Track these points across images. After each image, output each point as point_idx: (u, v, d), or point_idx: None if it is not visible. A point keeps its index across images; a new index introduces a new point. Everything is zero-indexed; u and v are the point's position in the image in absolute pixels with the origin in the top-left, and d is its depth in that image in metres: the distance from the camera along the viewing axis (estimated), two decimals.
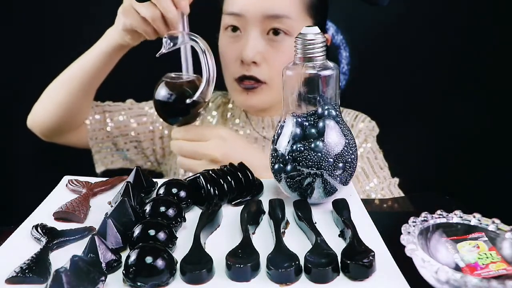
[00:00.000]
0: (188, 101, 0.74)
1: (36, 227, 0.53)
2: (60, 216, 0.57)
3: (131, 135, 1.01)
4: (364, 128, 0.98)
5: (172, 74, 0.78)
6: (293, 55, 0.57)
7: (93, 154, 1.00)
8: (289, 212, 0.57)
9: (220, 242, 0.52)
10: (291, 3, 0.87)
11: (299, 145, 0.56)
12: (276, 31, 0.87)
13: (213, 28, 0.95)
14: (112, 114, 1.00)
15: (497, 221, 0.49)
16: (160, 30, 0.77)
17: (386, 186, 0.93)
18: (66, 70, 0.92)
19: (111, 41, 0.85)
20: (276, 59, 0.87)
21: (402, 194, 0.93)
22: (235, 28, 0.89)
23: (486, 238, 0.48)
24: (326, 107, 0.57)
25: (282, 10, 0.86)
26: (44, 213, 0.58)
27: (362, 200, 0.60)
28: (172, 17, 0.75)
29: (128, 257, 0.45)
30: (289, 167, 0.57)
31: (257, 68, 0.87)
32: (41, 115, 0.94)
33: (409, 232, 0.47)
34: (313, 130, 0.56)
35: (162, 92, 0.76)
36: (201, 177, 0.60)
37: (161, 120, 1.01)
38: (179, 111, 0.77)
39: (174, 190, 0.59)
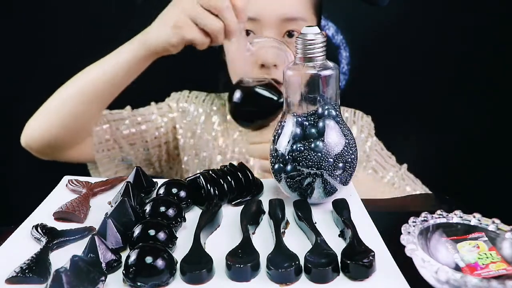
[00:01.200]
0: (281, 100, 0.75)
1: (36, 227, 0.53)
2: (60, 216, 0.57)
3: (139, 143, 0.99)
4: (365, 122, 1.02)
5: (247, 79, 0.79)
6: None
7: (98, 166, 0.96)
8: (289, 212, 0.57)
9: (220, 242, 0.52)
10: (304, 5, 0.89)
11: (299, 145, 0.56)
12: (290, 33, 0.88)
13: None
14: (117, 123, 0.96)
15: (497, 221, 0.49)
16: (219, 41, 0.77)
17: (403, 173, 0.97)
18: (78, 78, 0.85)
19: (146, 49, 0.81)
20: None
21: (416, 179, 0.98)
22: (247, 32, 0.88)
23: (486, 238, 0.48)
24: (326, 107, 0.57)
25: (298, 12, 0.87)
26: (44, 213, 0.58)
27: (362, 200, 0.60)
28: (235, 29, 0.75)
29: (128, 257, 0.45)
30: (289, 167, 0.57)
31: (277, 70, 0.87)
32: (43, 130, 0.86)
33: (409, 232, 0.47)
34: (313, 130, 0.56)
35: (248, 95, 0.77)
36: (201, 177, 0.60)
37: (164, 124, 1.00)
38: (266, 113, 0.78)
39: (174, 190, 0.59)
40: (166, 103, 1.04)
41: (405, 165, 0.99)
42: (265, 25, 0.87)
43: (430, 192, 0.99)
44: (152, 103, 1.03)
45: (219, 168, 0.63)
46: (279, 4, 0.87)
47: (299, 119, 0.57)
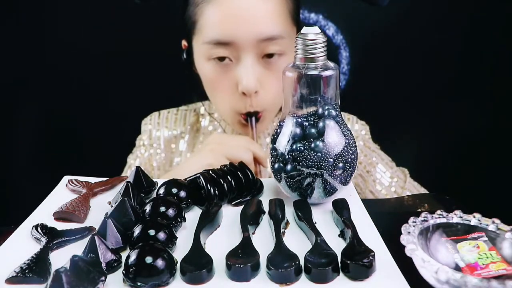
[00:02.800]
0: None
1: (36, 227, 0.53)
2: (60, 216, 0.57)
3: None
4: (360, 127, 1.01)
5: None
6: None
7: None
8: (289, 212, 0.57)
9: (220, 242, 0.52)
10: (282, 18, 0.83)
11: (299, 145, 0.56)
12: (269, 54, 0.83)
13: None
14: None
15: (497, 221, 0.49)
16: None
17: (400, 172, 0.97)
18: None
19: None
20: (272, 83, 0.84)
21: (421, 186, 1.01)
22: (222, 57, 0.83)
23: (486, 238, 0.48)
24: (326, 107, 0.57)
25: (277, 30, 0.81)
26: (44, 213, 0.58)
27: (362, 200, 0.60)
28: (264, 156, 0.78)
29: (128, 257, 0.45)
30: (289, 167, 0.57)
31: (257, 97, 0.84)
32: None
33: (409, 232, 0.47)
34: (313, 130, 0.56)
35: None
36: (201, 177, 0.60)
37: (143, 164, 1.01)
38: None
39: (174, 190, 0.59)
40: (140, 142, 1.03)
41: (402, 168, 0.99)
42: (241, 48, 0.81)
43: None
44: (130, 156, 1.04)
45: (219, 168, 0.63)
46: (255, 24, 0.80)
47: (299, 120, 0.57)
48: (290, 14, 0.85)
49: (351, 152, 0.57)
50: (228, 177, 0.61)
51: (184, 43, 0.93)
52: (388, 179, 0.98)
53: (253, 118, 0.86)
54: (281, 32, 0.82)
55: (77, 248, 0.51)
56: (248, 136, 0.85)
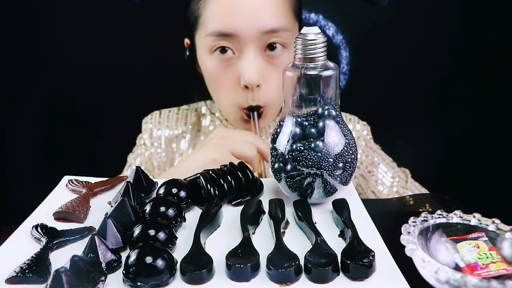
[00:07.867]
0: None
1: (36, 227, 0.53)
2: (60, 216, 0.57)
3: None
4: (362, 127, 1.01)
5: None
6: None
7: None
8: (289, 212, 0.57)
9: (220, 242, 0.52)
10: (284, 12, 0.83)
11: (299, 145, 0.56)
12: (272, 46, 0.83)
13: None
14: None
15: (497, 221, 0.49)
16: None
17: (402, 172, 0.98)
18: None
19: None
20: (274, 78, 0.84)
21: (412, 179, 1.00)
22: (224, 49, 0.84)
23: (486, 238, 0.48)
24: (326, 107, 0.57)
25: (278, 23, 0.82)
26: (44, 213, 0.58)
27: (362, 200, 0.60)
28: (267, 152, 0.76)
29: (128, 257, 0.45)
30: (289, 167, 0.57)
31: (259, 91, 0.84)
32: None
33: (409, 232, 0.47)
34: (313, 130, 0.56)
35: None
36: (201, 177, 0.60)
37: (144, 162, 1.01)
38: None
39: (174, 190, 0.59)
40: (141, 142, 1.03)
41: (403, 168, 0.99)
42: (243, 40, 0.81)
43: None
44: (130, 155, 1.04)
45: (219, 168, 0.63)
46: (257, 16, 0.81)
47: (299, 119, 0.57)
48: (292, 8, 0.86)
49: (351, 152, 0.57)
50: (228, 177, 0.61)
51: (186, 41, 0.94)
52: (390, 179, 0.98)
53: (255, 113, 0.85)
54: (283, 25, 0.82)
55: (77, 248, 0.51)
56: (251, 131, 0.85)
